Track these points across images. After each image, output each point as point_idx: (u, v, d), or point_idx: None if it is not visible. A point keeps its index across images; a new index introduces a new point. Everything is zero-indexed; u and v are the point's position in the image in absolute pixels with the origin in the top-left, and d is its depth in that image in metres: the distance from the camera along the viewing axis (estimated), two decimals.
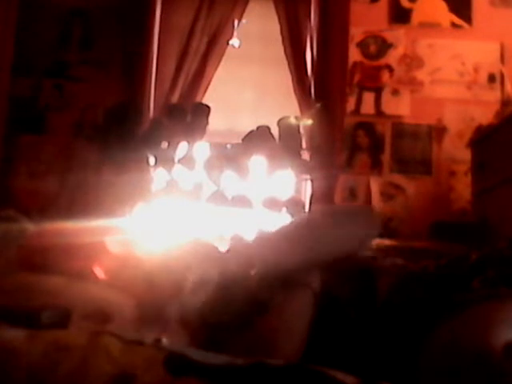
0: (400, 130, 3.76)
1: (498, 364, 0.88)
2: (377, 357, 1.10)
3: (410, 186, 3.70)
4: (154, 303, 1.16)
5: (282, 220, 3.11)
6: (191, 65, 3.73)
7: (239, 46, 3.78)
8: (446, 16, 3.85)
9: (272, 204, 3.16)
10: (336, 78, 3.64)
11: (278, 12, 3.75)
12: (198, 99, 3.66)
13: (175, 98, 3.68)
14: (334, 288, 1.18)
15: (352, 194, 3.70)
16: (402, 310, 1.17)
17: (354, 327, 1.17)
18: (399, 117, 3.76)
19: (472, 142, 3.30)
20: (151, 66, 3.69)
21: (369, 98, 3.78)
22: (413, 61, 3.81)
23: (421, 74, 3.80)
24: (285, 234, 1.27)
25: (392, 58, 3.82)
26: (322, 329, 1.19)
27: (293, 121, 3.45)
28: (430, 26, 3.85)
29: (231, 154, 3.30)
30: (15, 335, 0.85)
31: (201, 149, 3.28)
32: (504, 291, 1.08)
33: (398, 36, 3.84)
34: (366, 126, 3.76)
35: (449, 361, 0.93)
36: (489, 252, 1.23)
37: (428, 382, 0.96)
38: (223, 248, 1.39)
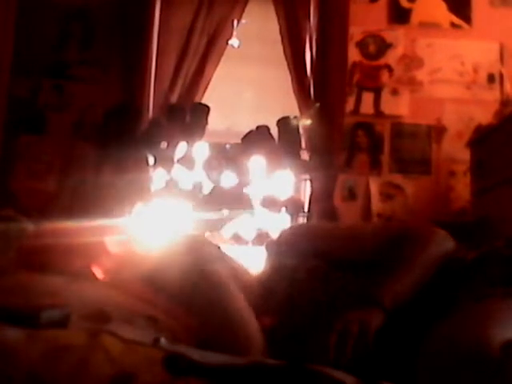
0: (399, 129, 3.76)
1: (495, 362, 0.88)
2: (376, 356, 1.10)
3: (410, 186, 3.70)
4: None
5: (282, 220, 3.12)
6: (190, 65, 3.72)
7: (238, 46, 3.78)
8: (445, 16, 3.85)
9: (271, 204, 3.16)
10: (335, 78, 3.64)
11: (277, 12, 3.74)
12: (197, 99, 3.66)
13: (174, 98, 3.68)
14: None
15: (351, 193, 3.70)
16: (400, 310, 1.17)
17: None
18: (398, 117, 3.76)
19: (471, 141, 3.31)
20: (150, 66, 3.69)
21: (368, 97, 3.77)
22: (412, 61, 3.81)
23: (420, 74, 3.80)
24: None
25: (391, 57, 3.82)
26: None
27: (292, 121, 3.45)
28: (429, 26, 3.85)
29: (230, 154, 3.30)
30: (15, 335, 0.85)
31: (200, 149, 3.28)
32: (501, 290, 1.09)
33: (398, 36, 3.84)
34: (366, 126, 3.76)
35: (447, 359, 0.93)
36: (486, 251, 1.23)
37: (427, 380, 0.96)
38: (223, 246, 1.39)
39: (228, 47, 3.77)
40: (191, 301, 1.20)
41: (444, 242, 1.29)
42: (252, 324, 1.20)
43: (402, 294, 1.19)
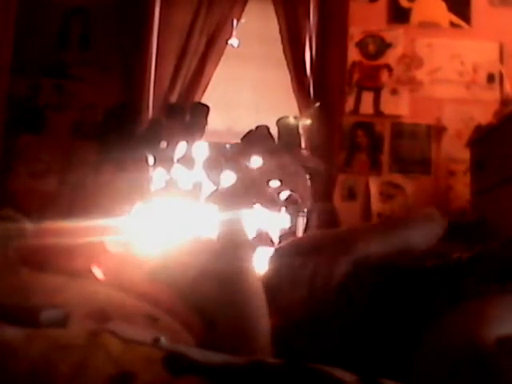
0: (399, 129, 3.76)
1: (491, 359, 0.88)
2: (373, 354, 1.10)
3: (409, 186, 3.70)
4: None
5: (281, 219, 3.12)
6: (190, 64, 3.73)
7: (238, 46, 3.78)
8: (445, 16, 3.85)
9: (271, 204, 3.16)
10: (335, 78, 3.64)
11: (277, 12, 3.75)
12: (196, 99, 3.66)
13: (174, 98, 3.68)
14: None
15: (351, 193, 3.70)
16: (395, 307, 1.18)
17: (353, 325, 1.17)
18: (398, 116, 3.77)
19: (471, 141, 3.31)
20: (150, 66, 3.69)
21: (368, 97, 3.78)
22: (412, 60, 3.81)
23: (420, 74, 3.80)
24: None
25: (391, 57, 3.82)
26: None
27: (292, 120, 3.45)
28: (429, 26, 3.85)
29: (230, 154, 3.30)
30: (14, 335, 0.85)
31: (200, 148, 3.28)
32: (495, 288, 1.09)
33: (397, 36, 3.84)
34: (365, 126, 3.77)
35: (442, 357, 0.94)
36: (482, 251, 1.24)
37: (422, 378, 0.96)
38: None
39: (228, 47, 3.77)
40: (207, 295, 1.20)
41: (430, 216, 1.32)
42: (263, 324, 1.19)
43: (375, 248, 1.20)
